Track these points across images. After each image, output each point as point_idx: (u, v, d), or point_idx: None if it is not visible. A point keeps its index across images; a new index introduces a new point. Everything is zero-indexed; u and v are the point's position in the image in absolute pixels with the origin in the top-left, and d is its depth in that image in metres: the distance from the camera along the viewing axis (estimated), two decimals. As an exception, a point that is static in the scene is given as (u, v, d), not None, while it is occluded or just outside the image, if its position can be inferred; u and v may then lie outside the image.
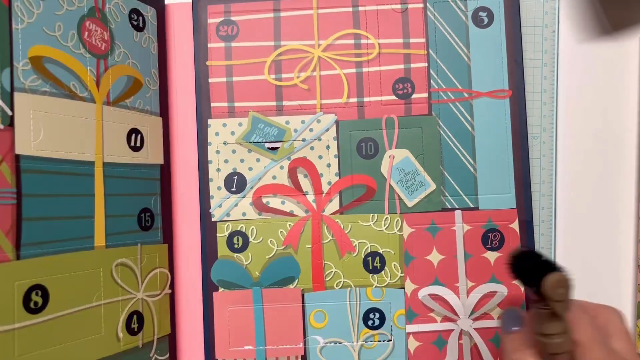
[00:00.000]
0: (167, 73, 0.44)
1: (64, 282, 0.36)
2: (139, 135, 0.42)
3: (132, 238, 0.41)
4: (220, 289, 0.42)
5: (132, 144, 0.42)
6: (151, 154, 0.43)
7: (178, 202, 0.44)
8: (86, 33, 0.39)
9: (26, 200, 0.34)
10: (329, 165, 0.43)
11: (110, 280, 0.39)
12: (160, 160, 0.43)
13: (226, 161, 0.43)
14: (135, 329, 0.41)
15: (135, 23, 0.42)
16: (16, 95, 0.35)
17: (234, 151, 0.43)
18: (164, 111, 0.44)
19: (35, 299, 0.35)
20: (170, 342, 0.43)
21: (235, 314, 0.42)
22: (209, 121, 0.43)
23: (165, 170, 0.43)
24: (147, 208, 0.42)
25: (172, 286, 0.43)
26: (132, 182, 0.42)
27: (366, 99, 0.43)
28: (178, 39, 0.44)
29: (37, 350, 0.35)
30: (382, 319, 0.42)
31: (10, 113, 0.34)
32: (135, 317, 0.41)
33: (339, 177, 0.43)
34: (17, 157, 0.34)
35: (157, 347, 0.42)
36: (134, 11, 0.43)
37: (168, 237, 0.43)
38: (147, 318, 0.42)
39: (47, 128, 0.36)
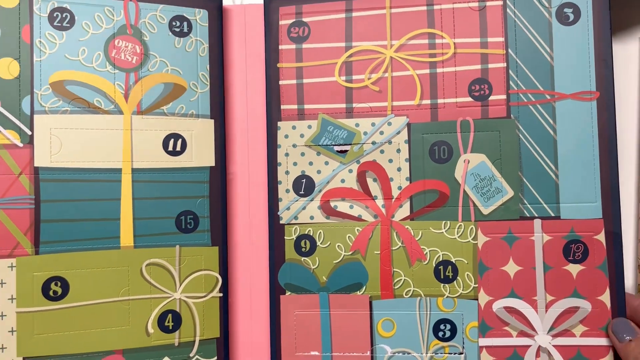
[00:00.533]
0: (224, 74, 0.43)
1: (86, 276, 0.42)
2: (180, 140, 0.43)
3: (169, 240, 0.43)
4: (288, 293, 0.42)
5: (171, 148, 0.43)
6: (196, 157, 0.44)
7: (237, 204, 0.44)
8: (114, 51, 0.43)
9: (44, 205, 0.41)
10: (399, 170, 0.42)
11: (140, 278, 0.42)
12: (209, 162, 0.44)
13: (295, 164, 0.42)
14: (170, 327, 0.43)
15: (177, 30, 0.44)
16: (35, 117, 0.41)
17: (302, 154, 0.42)
18: (217, 113, 0.43)
19: (55, 289, 0.41)
20: (219, 346, 0.43)
21: (302, 318, 0.41)
22: (279, 123, 0.43)
23: (216, 173, 0.43)
24: (189, 210, 0.43)
25: (224, 289, 0.43)
26: (169, 186, 0.43)
27: (440, 101, 0.41)
28: (238, 40, 0.44)
29: (56, 332, 0.41)
30: (454, 330, 0.41)
31: (29, 133, 0.41)
32: (170, 315, 0.43)
33: (410, 182, 0.42)
34: (36, 169, 0.41)
35: (199, 348, 0.43)
36: (177, 18, 0.44)
37: (219, 239, 0.43)
38: (187, 319, 0.43)
39: (68, 142, 0.42)
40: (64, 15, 0.43)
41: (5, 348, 0.40)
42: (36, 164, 0.42)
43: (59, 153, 0.42)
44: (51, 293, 0.41)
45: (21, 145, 0.42)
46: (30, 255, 0.41)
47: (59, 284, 0.41)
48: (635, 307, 0.38)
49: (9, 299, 0.41)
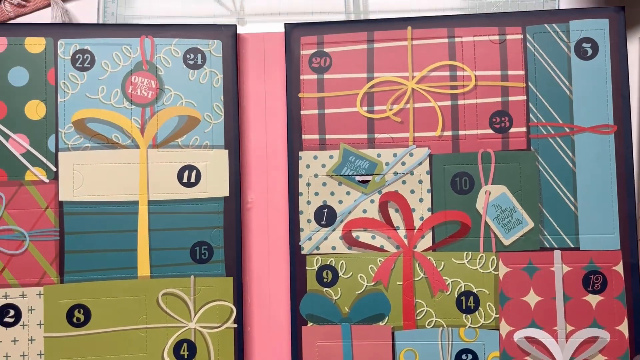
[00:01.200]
0: (240, 104, 0.45)
1: (106, 304, 0.44)
2: (194, 171, 0.45)
3: (184, 270, 0.44)
4: (309, 324, 0.42)
5: (185, 180, 0.45)
6: (211, 188, 0.45)
7: (254, 234, 0.45)
8: (131, 87, 0.45)
9: (68, 237, 0.44)
10: (421, 200, 0.42)
11: (156, 307, 0.44)
12: (223, 193, 0.45)
13: (316, 194, 0.43)
14: (186, 357, 0.44)
15: (191, 62, 0.45)
16: (60, 154, 0.44)
17: (324, 184, 0.43)
18: (232, 143, 0.45)
19: (78, 316, 0.43)
20: None
21: (324, 349, 0.42)
22: (300, 153, 0.43)
23: (230, 203, 0.44)
24: (203, 241, 0.44)
25: (238, 320, 0.44)
26: (184, 217, 0.44)
27: (461, 133, 0.42)
28: (257, 68, 0.46)
29: (79, 357, 0.43)
30: (475, 360, 0.41)
31: (54, 169, 0.44)
32: (185, 345, 0.44)
33: (432, 213, 0.42)
34: (61, 203, 0.44)
35: None
36: (191, 50, 0.45)
37: (233, 270, 0.44)
38: (201, 348, 0.44)
39: (89, 177, 0.44)
40: (85, 57, 0.44)
41: None
42: (60, 198, 0.44)
43: (81, 187, 0.44)
44: (74, 320, 0.43)
45: (47, 181, 0.44)
46: (56, 284, 0.43)
47: (82, 311, 0.43)
48: None
49: (37, 324, 0.43)
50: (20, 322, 0.43)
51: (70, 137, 0.44)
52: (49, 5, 0.48)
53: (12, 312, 0.42)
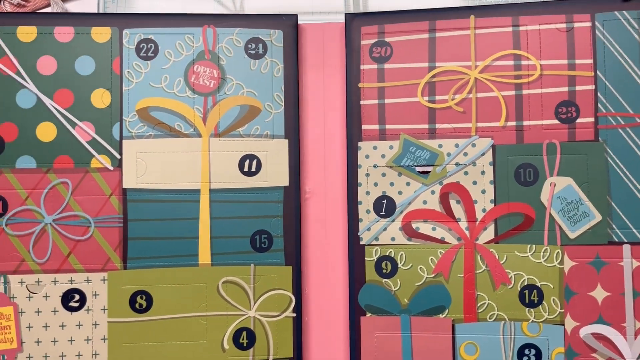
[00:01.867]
0: (299, 93, 0.46)
1: (168, 291, 0.45)
2: (255, 160, 0.46)
3: (244, 258, 0.46)
4: (368, 314, 0.42)
5: (246, 169, 0.46)
6: (271, 177, 0.46)
7: (311, 224, 0.46)
8: (193, 77, 0.46)
9: (131, 224, 0.45)
10: (483, 192, 0.42)
11: (216, 295, 0.45)
12: (283, 182, 0.46)
13: (376, 184, 0.43)
14: (245, 345, 0.45)
15: (252, 52, 0.47)
16: (124, 142, 0.46)
17: (383, 174, 0.43)
18: (291, 132, 0.46)
19: (140, 302, 0.45)
20: None
21: (383, 340, 0.42)
22: (360, 143, 0.43)
23: (290, 192, 0.45)
24: (263, 230, 0.45)
25: (297, 309, 0.45)
26: (244, 206, 0.46)
27: (526, 123, 0.42)
28: (315, 59, 0.47)
29: (141, 342, 0.45)
30: (539, 355, 0.42)
31: (118, 157, 0.46)
32: (244, 333, 0.45)
33: (495, 205, 0.42)
34: (125, 191, 0.45)
35: None
36: (252, 40, 0.47)
37: (292, 259, 0.46)
38: (261, 337, 0.45)
39: (152, 165, 0.46)
40: (149, 46, 0.46)
41: (98, 354, 0.45)
42: (124, 186, 0.45)
43: (144, 175, 0.46)
44: (137, 306, 0.45)
45: (112, 168, 0.45)
46: (119, 270, 0.45)
47: (144, 297, 0.45)
48: None
49: (101, 309, 0.45)
50: (85, 307, 0.45)
51: (134, 125, 0.46)
52: (48, 5, 0.50)
53: (77, 297, 0.44)
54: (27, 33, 0.45)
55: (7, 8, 0.49)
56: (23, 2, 0.49)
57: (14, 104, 0.45)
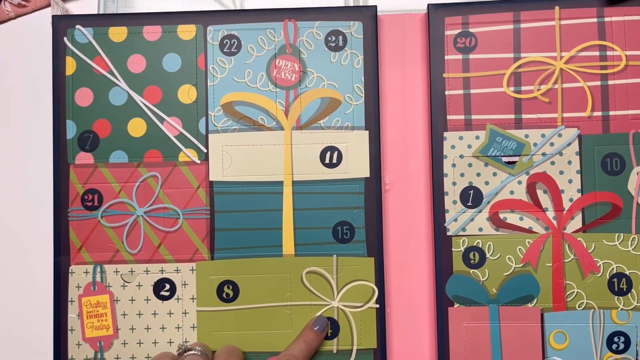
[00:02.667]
0: (379, 85, 0.56)
1: (253, 281, 0.55)
2: (335, 152, 0.55)
3: (327, 249, 0.55)
4: (456, 305, 0.52)
5: (327, 161, 0.55)
6: (352, 169, 0.56)
7: (392, 215, 0.56)
8: (275, 71, 0.57)
9: (218, 216, 0.56)
10: (570, 181, 0.52)
11: (300, 285, 0.55)
12: (364, 173, 0.56)
13: (462, 175, 0.53)
14: (329, 334, 0.55)
15: (332, 45, 0.57)
16: (210, 136, 0.56)
17: (470, 165, 0.53)
18: (372, 124, 0.56)
19: (227, 291, 0.55)
20: (376, 357, 0.55)
21: (471, 330, 0.52)
22: (445, 134, 0.53)
23: (370, 184, 0.55)
24: (345, 221, 0.54)
25: (380, 301, 0.54)
26: (326, 197, 0.56)
27: (612, 113, 0.51)
28: (395, 50, 0.57)
29: (229, 330, 0.55)
30: (627, 343, 0.50)
31: (205, 150, 0.56)
32: (328, 323, 0.54)
33: (582, 194, 0.51)
34: (211, 183, 0.56)
35: (356, 358, 0.55)
36: (332, 33, 0.57)
37: (374, 250, 0.55)
38: (344, 327, 0.55)
39: (236, 158, 0.56)
40: (232, 42, 0.57)
41: (188, 342, 0.55)
42: (211, 179, 0.56)
43: (229, 168, 0.56)
44: (224, 295, 0.55)
45: (199, 162, 0.56)
46: (207, 260, 0.56)
47: (231, 287, 0.55)
48: None
49: (190, 298, 0.55)
50: (175, 296, 0.55)
51: (219, 119, 0.56)
52: (49, 5, 0.60)
53: (167, 286, 0.55)
54: (118, 33, 0.56)
55: (8, 8, 0.58)
56: (23, 2, 0.59)
57: (107, 101, 0.56)
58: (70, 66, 0.56)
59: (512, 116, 0.54)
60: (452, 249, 0.54)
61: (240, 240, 0.55)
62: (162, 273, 0.55)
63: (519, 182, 0.54)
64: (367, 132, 0.56)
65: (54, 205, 0.55)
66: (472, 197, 0.54)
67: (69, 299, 0.55)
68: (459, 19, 0.55)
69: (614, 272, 0.52)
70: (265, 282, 0.55)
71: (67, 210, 0.55)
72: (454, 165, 0.55)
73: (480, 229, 0.54)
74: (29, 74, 0.59)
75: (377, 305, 0.55)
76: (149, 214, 0.55)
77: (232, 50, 0.57)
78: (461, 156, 0.55)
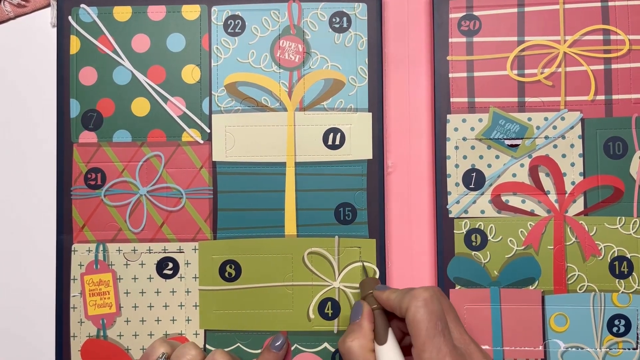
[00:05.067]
0: (382, 66, 0.58)
1: (256, 261, 0.57)
2: (339, 134, 0.57)
3: (328, 230, 0.57)
4: (457, 287, 0.53)
5: (330, 142, 0.57)
6: (354, 150, 0.58)
7: (394, 197, 0.57)
8: (279, 51, 0.58)
9: (220, 196, 0.57)
10: (573, 165, 0.54)
11: (302, 265, 0.57)
12: (367, 155, 0.58)
13: (465, 157, 0.54)
14: (330, 315, 0.57)
15: (337, 26, 0.58)
16: (213, 116, 0.58)
17: (472, 147, 0.54)
18: (375, 106, 0.58)
19: (229, 271, 0.57)
20: None
21: (472, 312, 0.53)
22: (448, 116, 0.55)
23: (373, 166, 0.57)
24: (347, 203, 0.56)
25: (381, 282, 0.57)
26: (328, 179, 0.58)
27: (615, 97, 0.53)
28: (399, 32, 0.58)
29: (231, 309, 0.57)
30: (628, 326, 0.52)
31: (208, 131, 0.58)
32: (329, 303, 0.57)
33: (584, 177, 0.53)
34: (214, 164, 0.58)
35: None
36: (337, 14, 0.59)
37: (376, 232, 0.57)
38: (345, 307, 0.57)
39: (240, 138, 0.58)
40: (236, 22, 0.59)
41: (191, 320, 0.57)
42: (214, 159, 0.58)
43: (232, 148, 0.58)
44: (226, 274, 0.57)
45: (202, 142, 0.58)
46: (210, 240, 0.57)
47: (233, 266, 0.57)
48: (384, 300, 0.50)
49: (193, 277, 0.57)
50: (178, 275, 0.57)
51: (222, 100, 0.58)
52: (49, 5, 0.61)
53: (170, 265, 0.56)
54: (122, 13, 0.58)
55: (7, 8, 0.60)
56: (23, 2, 0.60)
57: (111, 80, 0.57)
58: (75, 45, 0.58)
59: (515, 99, 0.56)
60: (454, 231, 0.56)
61: (242, 220, 0.57)
62: (165, 252, 0.57)
63: (522, 165, 0.56)
64: (371, 114, 0.58)
65: (57, 184, 0.57)
66: (474, 180, 0.56)
67: (72, 277, 0.56)
68: (463, 2, 0.57)
69: (615, 255, 0.54)
70: (267, 262, 0.57)
71: (70, 188, 0.57)
72: (456, 147, 0.56)
73: (482, 212, 0.56)
74: (33, 53, 0.60)
75: None
76: (152, 194, 0.57)
77: (236, 30, 0.58)
78: (464, 139, 0.56)
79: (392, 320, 0.50)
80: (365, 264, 0.56)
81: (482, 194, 0.56)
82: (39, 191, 0.59)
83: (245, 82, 0.58)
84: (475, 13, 0.57)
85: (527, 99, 0.56)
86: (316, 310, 0.57)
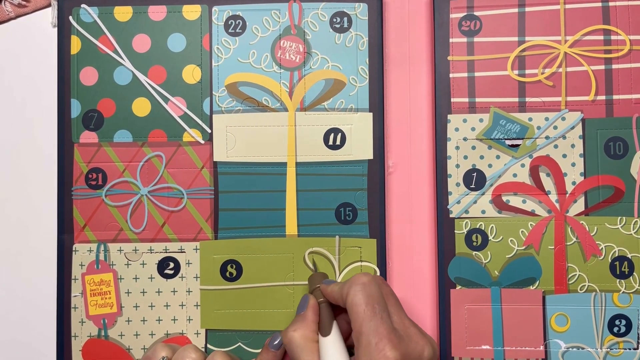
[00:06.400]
0: (383, 67, 0.59)
1: (257, 260, 0.58)
2: (339, 134, 0.58)
3: (329, 230, 0.58)
4: (458, 287, 0.54)
5: (331, 142, 0.58)
6: (355, 151, 0.59)
7: (395, 197, 0.58)
8: (279, 52, 0.59)
9: (222, 196, 0.58)
10: (573, 165, 0.54)
11: (303, 265, 0.58)
12: (367, 155, 0.59)
13: (465, 157, 0.55)
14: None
15: (337, 26, 0.59)
16: (214, 117, 0.59)
17: (473, 147, 0.55)
18: (376, 106, 0.59)
19: (230, 270, 0.58)
20: None
21: (473, 312, 0.54)
22: (449, 116, 0.55)
23: (374, 166, 0.58)
24: (348, 203, 0.57)
25: None
26: (329, 179, 0.59)
27: (615, 97, 0.54)
28: (400, 32, 0.59)
29: (232, 309, 0.58)
30: (629, 326, 0.53)
31: (209, 131, 0.59)
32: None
33: (585, 177, 0.54)
34: (215, 164, 0.58)
35: None
36: (337, 14, 0.59)
37: (377, 232, 0.58)
38: None
39: (240, 139, 0.59)
40: (237, 22, 0.60)
41: (192, 319, 0.58)
42: (215, 159, 0.59)
43: (233, 149, 0.59)
44: (227, 274, 0.58)
45: (203, 142, 0.59)
46: (211, 239, 0.58)
47: (234, 266, 0.58)
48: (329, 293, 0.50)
49: (194, 277, 0.58)
50: (179, 275, 0.58)
51: (223, 100, 0.59)
52: (49, 5, 0.62)
53: (171, 265, 0.57)
54: (123, 13, 0.59)
55: (8, 8, 0.60)
56: (24, 2, 0.61)
57: (112, 80, 0.58)
58: (75, 45, 0.59)
59: (516, 99, 0.57)
60: (455, 231, 0.57)
61: (243, 220, 0.58)
62: (166, 252, 0.58)
63: (522, 165, 0.56)
64: (371, 114, 0.58)
65: (58, 184, 0.58)
66: (475, 180, 0.57)
67: (73, 277, 0.57)
68: (464, 2, 0.58)
69: (616, 255, 0.55)
70: (268, 262, 0.58)
71: (71, 189, 0.58)
72: (457, 147, 0.57)
73: (483, 212, 0.56)
74: (34, 53, 0.61)
75: None
76: (153, 194, 0.58)
77: (237, 30, 0.59)
78: (465, 139, 0.57)
79: (340, 314, 0.51)
80: (314, 258, 0.57)
81: (483, 194, 0.57)
82: (39, 191, 0.60)
83: (246, 82, 0.59)
84: (476, 13, 0.58)
85: (527, 99, 0.57)
86: None
